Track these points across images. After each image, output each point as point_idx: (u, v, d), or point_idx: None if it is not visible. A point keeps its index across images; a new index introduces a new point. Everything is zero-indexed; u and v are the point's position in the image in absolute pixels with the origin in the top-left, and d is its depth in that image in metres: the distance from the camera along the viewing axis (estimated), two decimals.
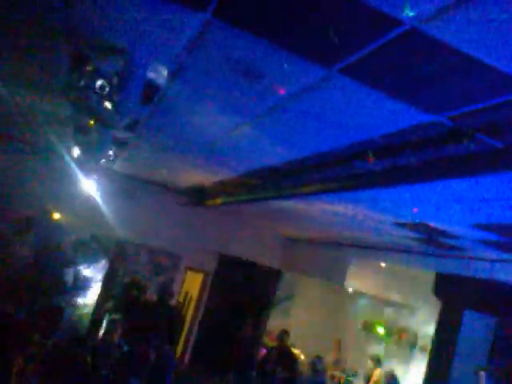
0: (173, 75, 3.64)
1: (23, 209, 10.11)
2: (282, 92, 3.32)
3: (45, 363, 6.79)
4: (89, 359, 7.16)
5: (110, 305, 10.39)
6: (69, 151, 6.83)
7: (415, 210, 4.86)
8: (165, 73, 3.56)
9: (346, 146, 3.96)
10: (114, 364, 7.68)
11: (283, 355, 10.04)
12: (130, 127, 5.54)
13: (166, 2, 2.61)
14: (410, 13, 2.07)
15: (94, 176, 8.44)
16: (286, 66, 2.91)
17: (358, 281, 10.33)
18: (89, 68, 3.41)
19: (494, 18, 1.94)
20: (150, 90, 4.14)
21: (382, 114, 3.16)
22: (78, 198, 10.09)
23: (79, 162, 7.14)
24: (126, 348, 8.06)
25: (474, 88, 2.53)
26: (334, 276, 10.34)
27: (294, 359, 10.32)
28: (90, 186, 9.33)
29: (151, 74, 3.77)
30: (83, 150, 5.71)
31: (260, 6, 2.42)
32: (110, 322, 9.12)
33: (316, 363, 9.60)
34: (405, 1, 2.01)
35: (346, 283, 10.25)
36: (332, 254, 10.62)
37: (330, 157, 4.32)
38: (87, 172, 7.98)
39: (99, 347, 8.00)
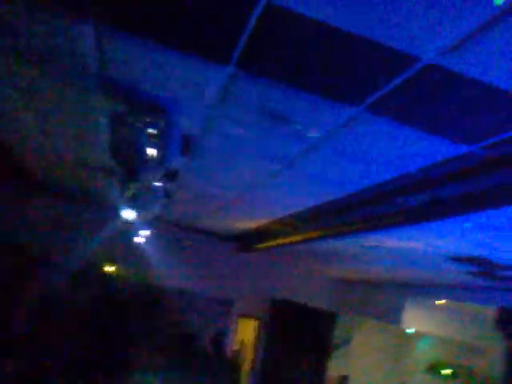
0: (205, 125, 3.74)
1: (79, 262, 10.39)
2: (314, 133, 3.35)
3: None
4: None
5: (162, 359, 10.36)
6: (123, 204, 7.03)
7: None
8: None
9: (382, 182, 3.91)
10: None
11: None
12: (171, 176, 5.69)
13: (188, 58, 2.72)
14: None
15: (147, 227, 8.67)
16: (312, 108, 2.94)
17: (417, 320, 9.93)
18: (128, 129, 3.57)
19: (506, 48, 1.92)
20: (187, 142, 4.27)
21: (413, 148, 3.12)
22: (132, 249, 10.37)
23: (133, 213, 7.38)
24: None
25: (499, 117, 2.48)
26: (390, 316, 9.99)
27: None
28: (143, 238, 9.57)
29: (186, 128, 3.91)
30: (133, 203, 5.90)
31: (280, 54, 2.49)
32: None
33: None
34: (418, 39, 2.02)
35: (404, 323, 9.87)
36: (386, 294, 10.30)
37: (368, 194, 4.27)
38: (140, 224, 8.21)
39: None
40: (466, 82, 2.23)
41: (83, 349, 9.36)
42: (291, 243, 6.57)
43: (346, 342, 12.38)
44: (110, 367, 9.49)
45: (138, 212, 7.51)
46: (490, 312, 7.72)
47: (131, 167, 4.20)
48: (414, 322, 9.85)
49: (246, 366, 12.08)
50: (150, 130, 3.58)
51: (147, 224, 8.53)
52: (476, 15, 1.81)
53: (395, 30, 2.04)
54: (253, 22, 2.25)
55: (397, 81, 2.42)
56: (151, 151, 3.71)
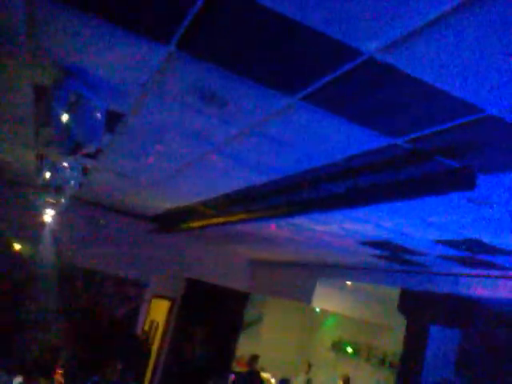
0: (136, 103, 3.66)
1: None
2: (247, 119, 3.39)
3: None
4: None
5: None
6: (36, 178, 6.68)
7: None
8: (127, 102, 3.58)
9: (310, 169, 4.05)
10: None
11: (252, 380, 9.97)
12: (93, 154, 5.49)
13: (129, 35, 2.65)
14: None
15: (59, 205, 8.29)
16: (248, 94, 2.98)
17: (325, 300, 10.40)
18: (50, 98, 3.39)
19: (442, 47, 2.07)
20: (113, 119, 4.14)
21: (344, 139, 3.26)
22: (43, 227, 9.92)
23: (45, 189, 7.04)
24: (95, 379, 7.88)
25: (429, 112, 2.66)
26: (302, 296, 10.38)
27: None
28: (53, 215, 9.17)
29: (115, 104, 3.79)
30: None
31: (221, 38, 2.48)
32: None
33: None
34: (363, 32, 2.11)
35: (313, 303, 10.30)
36: (299, 274, 10.68)
37: (296, 180, 4.41)
38: (53, 201, 7.82)
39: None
40: (401, 78, 2.36)
41: None
42: (213, 225, 6.60)
43: (258, 321, 12.73)
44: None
45: (52, 189, 7.18)
46: (394, 294, 8.29)
47: (50, 139, 4.01)
48: (324, 301, 10.32)
49: (156, 346, 12.06)
50: (72, 101, 3.41)
51: (61, 202, 8.16)
52: (414, 17, 1.93)
53: (339, 23, 2.11)
54: (199, 3, 2.23)
55: (336, 73, 2.51)
56: (70, 122, 3.54)
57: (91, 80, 3.40)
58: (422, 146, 3.10)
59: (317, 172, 4.08)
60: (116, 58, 3.02)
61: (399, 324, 8.41)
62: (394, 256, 6.91)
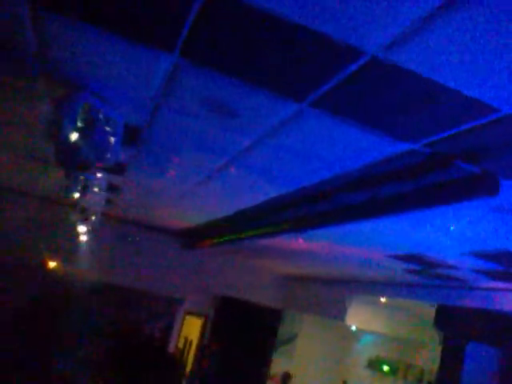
0: (150, 116, 3.66)
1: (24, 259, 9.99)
2: (258, 129, 3.33)
3: None
4: None
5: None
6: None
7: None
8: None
9: (326, 180, 3.94)
10: None
11: None
12: (119, 170, 5.55)
13: (132, 45, 2.64)
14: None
15: (90, 222, 8.41)
16: (256, 102, 2.92)
17: (359, 317, 10.15)
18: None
19: (452, 44, 1.95)
20: (131, 133, 4.16)
21: (357, 146, 3.16)
22: (77, 246, 10.07)
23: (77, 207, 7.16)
24: None
25: (443, 114, 2.53)
26: (335, 313, 10.16)
27: None
28: (88, 234, 9.30)
29: (131, 119, 3.80)
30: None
31: (221, 45, 2.44)
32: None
33: None
34: (363, 29, 2.03)
35: (347, 320, 10.06)
36: (332, 291, 10.47)
37: (312, 191, 4.30)
38: (85, 219, 7.94)
39: None
40: (408, 78, 2.26)
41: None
42: (235, 240, 6.55)
43: (291, 339, 12.50)
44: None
45: (82, 207, 7.31)
46: (428, 310, 8.00)
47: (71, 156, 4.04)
48: (358, 318, 10.07)
49: (190, 364, 11.98)
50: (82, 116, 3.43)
51: (91, 219, 8.28)
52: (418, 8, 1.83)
53: (339, 21, 2.03)
54: (196, 8, 2.20)
55: (341, 75, 2.43)
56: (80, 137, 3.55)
57: (105, 94, 3.42)
58: (440, 151, 2.96)
59: (334, 183, 3.98)
60: (124, 70, 3.03)
61: (437, 341, 8.09)
62: (425, 270, 6.67)
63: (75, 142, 3.05)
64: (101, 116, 3.27)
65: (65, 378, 9.75)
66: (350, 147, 3.22)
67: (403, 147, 3.04)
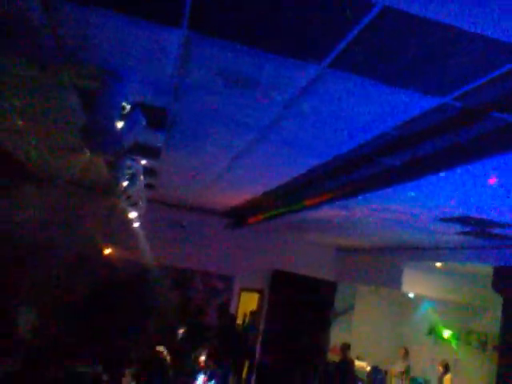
0: (174, 97, 3.63)
1: (76, 247, 10.37)
2: (280, 98, 3.23)
3: None
4: None
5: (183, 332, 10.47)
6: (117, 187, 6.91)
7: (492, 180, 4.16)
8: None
9: (362, 145, 3.81)
10: None
11: (345, 369, 9.78)
12: (154, 154, 5.60)
13: (144, 23, 2.60)
14: None
15: (140, 209, 8.59)
16: (274, 69, 2.83)
17: (415, 284, 9.92)
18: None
19: None
20: (161, 116, 4.16)
21: (386, 104, 3.01)
22: (129, 231, 10.35)
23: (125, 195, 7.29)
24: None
25: (469, 63, 2.35)
26: (390, 282, 9.97)
27: (353, 374, 10.08)
28: (137, 218, 9.52)
29: (156, 101, 3.80)
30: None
31: (228, 12, 2.36)
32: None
33: (374, 374, 9.30)
34: None
35: (404, 288, 9.87)
36: (385, 260, 10.27)
37: (351, 158, 4.18)
38: (134, 205, 8.11)
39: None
40: (423, 25, 2.11)
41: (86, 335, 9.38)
42: (282, 215, 6.50)
43: (348, 310, 12.43)
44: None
45: (129, 194, 7.43)
46: (488, 272, 7.69)
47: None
48: (414, 285, 9.85)
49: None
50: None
51: (139, 204, 8.44)
52: None
53: None
54: None
55: (354, 31, 2.30)
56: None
57: (127, 76, 3.42)
58: (473, 103, 2.78)
59: (371, 146, 3.83)
60: (139, 51, 3.00)
61: (498, 304, 7.80)
62: (480, 231, 6.38)
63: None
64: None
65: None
66: (380, 108, 3.07)
67: (433, 102, 2.87)
